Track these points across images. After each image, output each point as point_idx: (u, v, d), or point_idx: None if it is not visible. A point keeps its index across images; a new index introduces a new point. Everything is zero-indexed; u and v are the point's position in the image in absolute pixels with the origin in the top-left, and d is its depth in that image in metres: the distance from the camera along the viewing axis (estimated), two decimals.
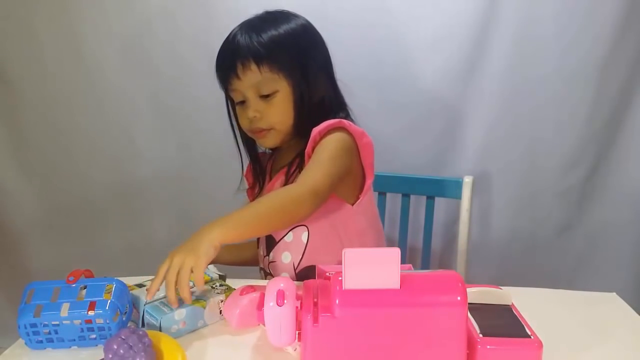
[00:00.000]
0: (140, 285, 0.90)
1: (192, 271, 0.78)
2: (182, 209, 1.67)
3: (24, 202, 1.70)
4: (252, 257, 1.19)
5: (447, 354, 0.67)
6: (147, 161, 1.65)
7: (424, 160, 1.54)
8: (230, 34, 1.05)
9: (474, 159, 1.55)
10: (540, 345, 0.68)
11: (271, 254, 1.08)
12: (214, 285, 0.90)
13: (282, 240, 1.07)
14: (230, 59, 1.01)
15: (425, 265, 1.43)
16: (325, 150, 0.97)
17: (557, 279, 1.60)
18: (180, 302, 0.81)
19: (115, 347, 0.70)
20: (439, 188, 1.37)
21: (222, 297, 0.87)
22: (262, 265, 1.13)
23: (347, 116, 1.09)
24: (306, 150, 1.00)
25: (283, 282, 0.72)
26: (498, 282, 0.83)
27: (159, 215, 1.69)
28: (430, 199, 1.38)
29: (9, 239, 1.73)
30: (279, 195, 0.90)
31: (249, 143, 1.14)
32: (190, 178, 1.66)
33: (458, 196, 1.34)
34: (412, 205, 1.42)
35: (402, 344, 0.66)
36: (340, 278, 0.67)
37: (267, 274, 1.11)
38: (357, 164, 1.02)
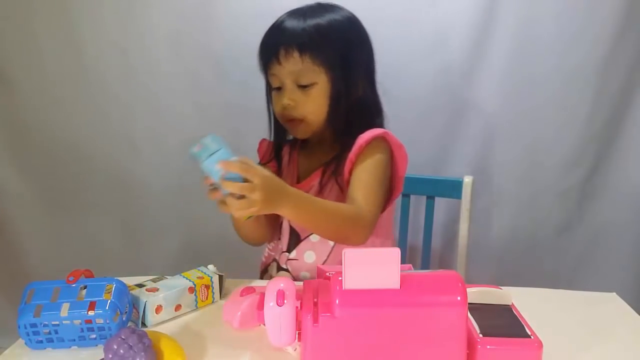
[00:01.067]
0: (140, 285, 0.90)
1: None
2: (182, 209, 1.67)
3: (24, 202, 1.70)
4: (262, 237, 1.14)
5: (447, 353, 0.67)
6: (147, 162, 1.65)
7: (424, 160, 1.54)
8: (278, 19, 1.03)
9: (474, 158, 1.55)
10: (540, 345, 0.68)
11: (294, 251, 1.08)
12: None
13: (307, 239, 1.06)
14: (275, 44, 1.00)
15: (425, 265, 1.43)
16: (376, 169, 0.99)
17: (557, 279, 1.60)
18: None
19: (115, 347, 0.71)
20: (439, 188, 1.37)
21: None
22: (277, 258, 1.12)
23: (382, 122, 1.09)
24: (349, 156, 1.00)
25: (283, 282, 0.72)
26: (498, 282, 0.83)
27: (159, 215, 1.68)
28: (431, 198, 1.38)
29: (9, 239, 1.73)
30: (346, 210, 0.93)
31: (280, 131, 1.12)
32: (190, 178, 1.66)
33: (458, 196, 1.34)
34: (412, 205, 1.42)
35: (402, 344, 0.67)
36: (340, 278, 0.67)
37: (281, 269, 1.10)
38: (389, 174, 1.03)
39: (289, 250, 1.08)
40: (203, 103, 1.58)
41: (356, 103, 1.03)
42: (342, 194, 1.02)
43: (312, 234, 1.06)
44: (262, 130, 1.56)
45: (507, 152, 1.54)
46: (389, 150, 1.02)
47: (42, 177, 1.68)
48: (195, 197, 1.66)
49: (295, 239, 1.08)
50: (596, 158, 1.53)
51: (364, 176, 0.98)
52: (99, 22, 1.54)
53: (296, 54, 0.98)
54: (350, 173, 1.00)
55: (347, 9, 1.05)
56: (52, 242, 1.73)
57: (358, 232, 0.93)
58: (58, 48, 1.56)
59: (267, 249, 1.17)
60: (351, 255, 0.66)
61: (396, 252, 0.66)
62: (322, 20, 1.00)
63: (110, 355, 0.70)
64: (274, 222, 1.12)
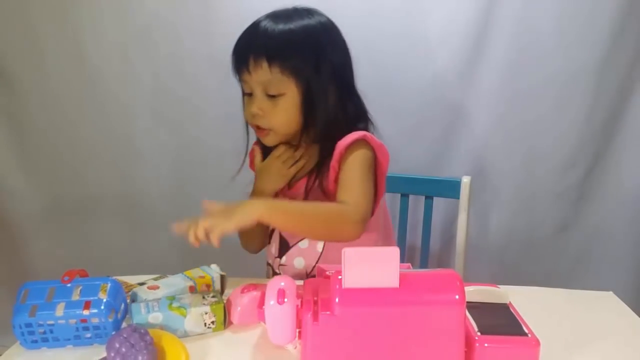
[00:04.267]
0: (141, 284, 0.91)
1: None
2: (182, 210, 1.67)
3: (25, 202, 1.70)
4: (259, 245, 1.16)
5: (445, 352, 0.68)
6: (146, 161, 1.66)
7: (422, 160, 1.55)
8: (253, 23, 1.01)
9: (472, 159, 1.55)
10: (537, 343, 0.69)
11: (284, 257, 1.08)
12: (205, 295, 0.87)
13: (295, 246, 1.07)
14: (244, 52, 0.99)
15: (424, 264, 1.43)
16: (361, 167, 0.97)
17: (555, 278, 1.60)
18: (161, 306, 0.82)
19: (117, 345, 0.71)
20: (437, 188, 1.37)
21: (207, 309, 0.84)
22: (270, 262, 1.13)
23: (367, 126, 1.06)
24: (332, 164, 0.98)
25: (284, 281, 0.72)
26: (496, 281, 0.84)
27: (159, 215, 1.69)
28: (429, 198, 1.38)
29: (10, 238, 1.73)
30: (329, 208, 0.93)
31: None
32: (190, 178, 1.66)
33: (456, 196, 1.34)
34: (411, 205, 1.42)
35: (401, 342, 0.67)
36: (340, 277, 0.67)
37: (275, 274, 1.10)
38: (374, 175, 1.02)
39: (279, 256, 1.09)
40: (203, 104, 1.59)
41: (332, 111, 1.01)
42: (328, 200, 1.01)
43: (300, 240, 1.06)
44: None
45: (505, 153, 1.54)
46: (371, 150, 1.00)
47: (43, 177, 1.68)
48: (195, 197, 1.66)
49: (285, 246, 1.08)
50: (594, 159, 1.53)
51: (347, 176, 0.97)
52: (100, 23, 1.54)
53: (265, 64, 0.96)
54: (336, 182, 0.99)
55: (324, 14, 1.03)
56: (53, 241, 1.73)
57: (347, 228, 0.90)
58: (59, 49, 1.56)
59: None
60: (351, 254, 0.66)
61: (395, 251, 0.66)
62: (296, 26, 0.98)
63: (112, 354, 0.71)
64: (266, 229, 1.13)
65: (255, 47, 0.97)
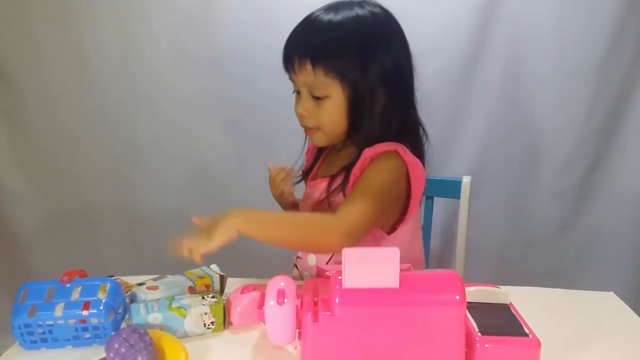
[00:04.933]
0: (140, 284, 0.90)
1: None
2: (182, 210, 1.67)
3: (25, 202, 1.70)
4: None
5: (445, 352, 0.68)
6: (146, 161, 1.66)
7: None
8: (307, 15, 0.95)
9: (472, 159, 1.55)
10: (538, 344, 0.69)
11: (299, 251, 1.08)
12: (204, 296, 0.87)
13: None
14: (290, 51, 0.94)
15: (424, 264, 1.43)
16: (375, 181, 0.90)
17: (555, 278, 1.60)
18: (160, 306, 0.82)
19: (116, 346, 0.71)
20: (437, 188, 1.37)
21: (206, 309, 0.83)
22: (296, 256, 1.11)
23: (418, 137, 1.01)
24: (353, 170, 0.93)
25: (283, 281, 0.72)
26: (496, 281, 0.83)
27: (159, 215, 1.69)
28: (429, 198, 1.38)
29: (10, 238, 1.73)
30: (312, 218, 0.89)
31: None
32: (190, 179, 1.66)
33: (457, 196, 1.34)
34: None
35: (401, 343, 0.67)
36: (340, 277, 0.67)
37: (295, 267, 1.10)
38: (403, 193, 0.96)
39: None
40: (203, 106, 1.59)
41: (378, 117, 0.94)
42: None
43: None
44: (263, 134, 1.58)
45: (505, 153, 1.54)
46: (402, 167, 0.93)
47: (42, 177, 1.69)
48: (196, 197, 1.66)
49: None
50: (594, 158, 1.53)
51: (359, 186, 0.91)
52: (99, 23, 1.54)
53: (309, 66, 0.91)
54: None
55: (379, 4, 0.95)
56: (53, 241, 1.73)
57: (328, 241, 0.85)
58: (59, 49, 1.57)
59: None
60: (351, 254, 0.66)
61: (395, 251, 0.66)
62: (343, 19, 0.90)
63: (111, 354, 0.71)
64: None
65: (300, 46, 0.93)
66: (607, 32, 1.42)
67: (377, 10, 0.94)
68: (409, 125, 0.99)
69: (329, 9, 0.93)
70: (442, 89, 1.50)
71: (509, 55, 1.46)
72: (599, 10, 1.41)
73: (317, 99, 0.94)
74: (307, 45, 0.92)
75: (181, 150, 1.64)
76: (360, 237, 0.88)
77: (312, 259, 1.05)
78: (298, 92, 0.98)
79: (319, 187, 1.03)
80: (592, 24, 1.42)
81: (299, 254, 1.08)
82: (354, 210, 0.87)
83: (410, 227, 1.01)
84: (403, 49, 0.96)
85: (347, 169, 0.96)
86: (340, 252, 0.84)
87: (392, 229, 0.99)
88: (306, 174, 1.12)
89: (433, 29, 1.46)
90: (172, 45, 1.54)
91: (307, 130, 0.99)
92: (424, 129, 1.02)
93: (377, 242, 0.98)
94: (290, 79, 0.97)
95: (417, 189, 0.96)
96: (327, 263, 1.03)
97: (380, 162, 0.92)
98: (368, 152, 0.92)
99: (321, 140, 1.00)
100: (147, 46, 1.55)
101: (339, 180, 0.98)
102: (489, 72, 1.48)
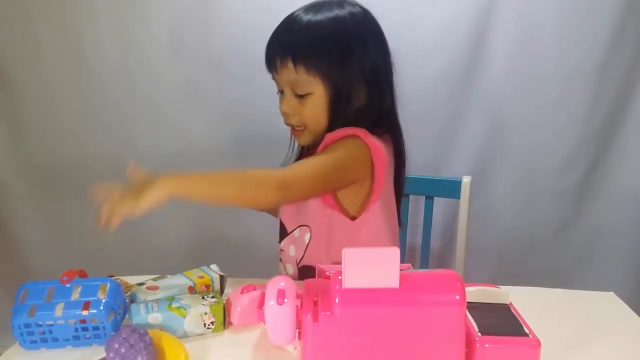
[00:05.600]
0: (140, 284, 0.90)
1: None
2: (183, 210, 1.67)
3: (24, 202, 1.70)
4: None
5: (446, 352, 0.68)
6: (147, 160, 1.65)
7: (423, 160, 1.55)
8: (288, 15, 0.97)
9: (472, 159, 1.55)
10: (538, 344, 0.69)
11: (282, 242, 1.08)
12: (204, 296, 0.86)
13: (291, 234, 1.06)
14: (271, 51, 0.97)
15: (424, 264, 1.43)
16: (327, 153, 0.92)
17: (555, 278, 1.60)
18: (160, 306, 0.82)
19: (116, 346, 0.71)
20: (438, 188, 1.37)
21: (206, 309, 0.83)
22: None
23: (397, 132, 1.03)
24: (316, 152, 0.95)
25: (283, 281, 0.72)
26: (496, 281, 0.83)
27: (159, 215, 1.68)
28: (429, 198, 1.38)
29: (9, 238, 1.73)
30: (248, 173, 0.88)
31: None
32: None
33: (457, 196, 1.34)
34: (411, 205, 1.43)
35: (401, 343, 0.67)
36: (340, 277, 0.67)
37: (280, 260, 1.10)
38: (366, 177, 0.97)
39: (279, 241, 1.09)
40: (203, 107, 1.59)
41: (354, 112, 0.96)
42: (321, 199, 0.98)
43: (295, 229, 1.04)
44: (262, 134, 1.58)
45: (506, 153, 1.54)
46: (363, 148, 0.94)
47: (42, 177, 1.68)
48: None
49: (283, 232, 1.08)
50: (594, 158, 1.53)
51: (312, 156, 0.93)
52: (99, 23, 1.54)
53: (290, 65, 0.93)
54: None
55: (358, 4, 0.97)
56: (53, 241, 1.73)
57: (261, 194, 0.86)
58: (58, 49, 1.57)
59: None
60: (351, 254, 0.66)
61: (395, 251, 0.66)
62: (323, 19, 0.93)
63: (111, 354, 0.71)
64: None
65: (281, 46, 0.95)
66: (607, 32, 1.42)
67: (355, 10, 0.97)
68: (388, 122, 1.02)
69: (308, 8, 0.96)
70: (442, 89, 1.51)
71: (509, 57, 1.46)
72: (599, 11, 1.41)
73: (300, 97, 0.96)
74: (287, 44, 0.95)
75: (181, 150, 1.64)
76: (296, 194, 0.91)
77: (292, 250, 1.05)
78: (282, 92, 1.00)
79: None
80: (592, 24, 1.42)
81: (282, 246, 1.07)
82: (295, 166, 0.92)
83: (380, 218, 1.01)
84: (381, 47, 1.00)
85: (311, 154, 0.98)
86: (275, 204, 0.87)
87: (356, 216, 0.99)
88: None
89: (433, 29, 1.47)
90: (171, 45, 1.54)
91: (293, 130, 1.02)
92: (399, 126, 1.04)
93: (344, 230, 0.99)
94: (273, 78, 1.00)
95: (380, 172, 0.97)
96: (301, 258, 1.04)
97: (339, 142, 0.94)
98: (330, 136, 0.95)
99: (306, 139, 1.02)
100: (146, 46, 1.55)
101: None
102: (489, 73, 1.49)
